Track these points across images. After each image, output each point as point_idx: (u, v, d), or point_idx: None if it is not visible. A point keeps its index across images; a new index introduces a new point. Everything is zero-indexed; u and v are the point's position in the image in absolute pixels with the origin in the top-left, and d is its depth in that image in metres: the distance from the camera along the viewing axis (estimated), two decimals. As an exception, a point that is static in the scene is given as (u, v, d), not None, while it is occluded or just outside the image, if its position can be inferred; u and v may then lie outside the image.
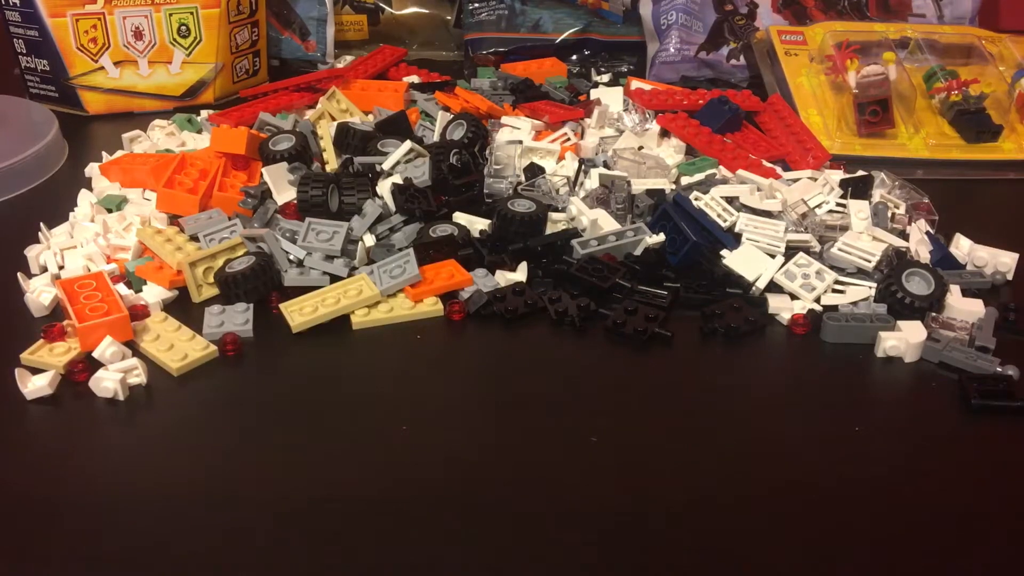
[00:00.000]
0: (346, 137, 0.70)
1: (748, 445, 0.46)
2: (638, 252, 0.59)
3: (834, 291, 0.57)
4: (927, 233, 0.63)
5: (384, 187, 0.64)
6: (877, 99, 0.80)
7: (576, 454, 0.45)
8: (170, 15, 0.85)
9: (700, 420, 0.48)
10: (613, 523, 0.41)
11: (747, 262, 0.58)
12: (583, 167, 0.69)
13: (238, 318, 0.53)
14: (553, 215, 0.63)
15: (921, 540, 0.40)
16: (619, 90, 0.84)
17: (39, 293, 0.55)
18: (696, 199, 0.63)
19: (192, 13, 0.85)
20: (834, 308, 0.56)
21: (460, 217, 0.62)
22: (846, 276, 0.58)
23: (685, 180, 0.68)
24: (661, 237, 0.60)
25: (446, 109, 0.78)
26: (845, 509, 0.42)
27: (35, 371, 0.49)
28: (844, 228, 0.62)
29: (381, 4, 1.04)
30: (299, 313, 0.53)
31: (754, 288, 0.57)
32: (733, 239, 0.60)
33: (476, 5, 1.00)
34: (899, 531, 0.41)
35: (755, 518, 0.41)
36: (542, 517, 0.41)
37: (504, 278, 0.58)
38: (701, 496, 0.42)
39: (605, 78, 0.96)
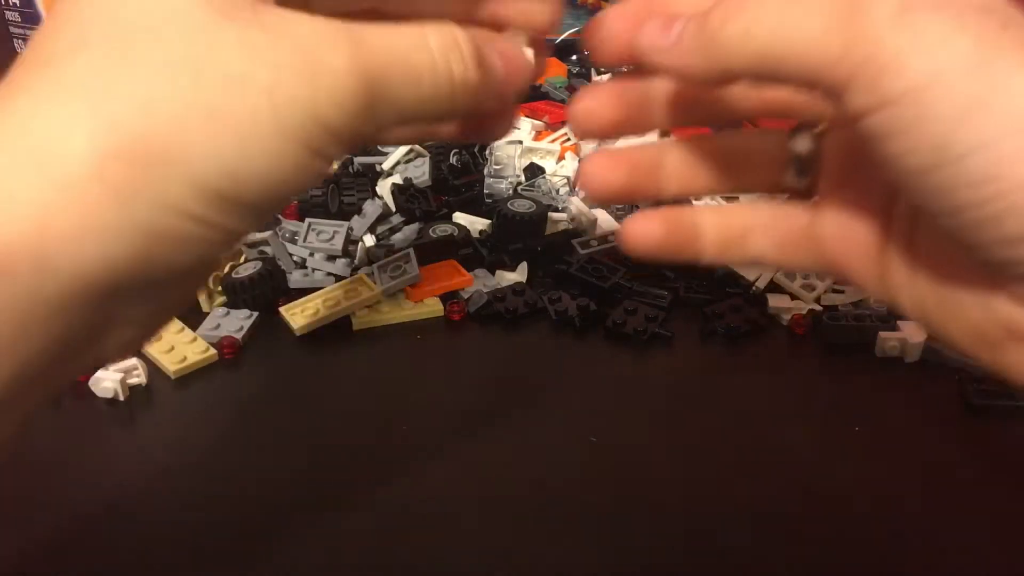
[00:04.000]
0: (346, 137, 0.70)
1: (748, 445, 0.46)
2: (638, 252, 0.59)
3: (834, 291, 0.57)
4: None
5: (384, 187, 0.64)
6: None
7: (575, 454, 0.45)
8: (170, 15, 0.84)
9: (700, 420, 0.48)
10: (611, 523, 0.41)
11: (747, 262, 0.58)
12: (583, 167, 0.69)
13: (234, 324, 0.53)
14: (553, 215, 0.63)
15: (922, 540, 0.40)
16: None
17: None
18: (696, 198, 0.63)
19: (192, 13, 0.85)
20: (834, 308, 0.56)
21: (460, 217, 0.62)
22: (846, 276, 0.58)
23: (685, 180, 0.68)
24: (661, 237, 0.60)
25: (446, 109, 0.77)
26: (846, 509, 0.42)
27: (35, 372, 0.49)
28: (844, 228, 0.62)
29: (381, 4, 1.04)
30: (301, 315, 0.53)
31: (754, 288, 0.57)
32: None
33: (476, 5, 1.00)
34: (899, 531, 0.41)
35: (754, 518, 0.41)
36: (541, 517, 0.41)
37: (504, 278, 0.58)
38: (701, 496, 0.42)
39: (605, 78, 0.96)
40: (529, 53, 0.29)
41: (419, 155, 0.67)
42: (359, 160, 0.67)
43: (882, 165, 0.23)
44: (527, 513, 0.41)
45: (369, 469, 0.44)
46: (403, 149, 0.66)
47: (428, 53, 0.25)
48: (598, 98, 0.29)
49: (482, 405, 0.49)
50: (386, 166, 0.66)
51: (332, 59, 0.23)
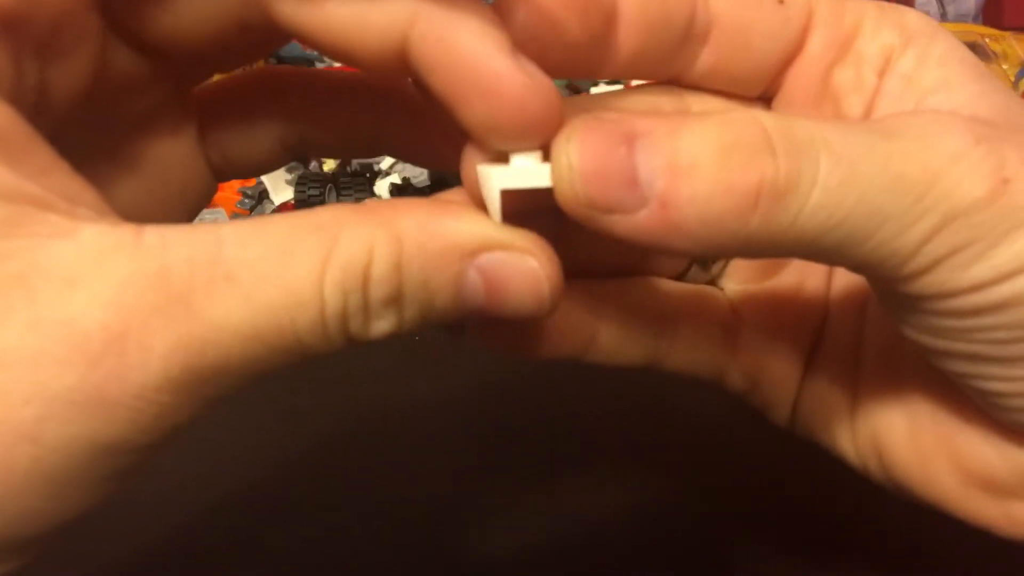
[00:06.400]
0: (344, 137, 0.70)
1: (749, 446, 0.45)
2: (638, 251, 0.59)
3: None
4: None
5: (382, 187, 0.64)
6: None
7: (574, 455, 0.45)
8: (168, 15, 0.84)
9: (700, 421, 0.47)
10: (611, 527, 0.40)
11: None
12: (583, 166, 0.68)
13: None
14: (552, 214, 0.62)
15: (927, 544, 0.40)
16: (619, 88, 0.83)
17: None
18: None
19: (190, 13, 0.85)
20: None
21: (459, 217, 0.62)
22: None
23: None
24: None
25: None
26: (848, 511, 0.41)
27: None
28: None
29: (380, 4, 1.04)
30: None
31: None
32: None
33: (476, 4, 1.00)
34: (902, 532, 0.40)
35: (755, 518, 0.41)
36: (540, 517, 0.41)
37: (503, 278, 0.57)
38: (704, 497, 0.42)
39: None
40: (533, 265, 0.19)
41: (417, 154, 0.67)
42: (357, 160, 0.67)
43: (917, 326, 0.20)
44: (524, 513, 0.41)
45: (366, 470, 0.43)
46: (401, 148, 0.66)
47: (307, 314, 0.17)
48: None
49: (480, 405, 0.49)
50: (384, 165, 0.66)
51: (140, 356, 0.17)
